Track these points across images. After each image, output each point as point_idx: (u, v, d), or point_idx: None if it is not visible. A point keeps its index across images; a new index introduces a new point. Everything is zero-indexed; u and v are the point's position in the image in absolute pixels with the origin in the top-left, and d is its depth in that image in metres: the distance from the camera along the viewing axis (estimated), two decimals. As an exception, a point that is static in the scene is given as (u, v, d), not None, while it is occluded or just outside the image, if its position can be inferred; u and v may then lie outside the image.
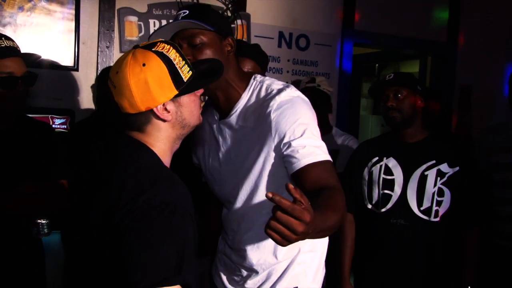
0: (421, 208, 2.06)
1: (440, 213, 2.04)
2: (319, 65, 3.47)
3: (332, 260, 2.28)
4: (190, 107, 1.22)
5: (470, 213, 2.08)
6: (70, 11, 2.70)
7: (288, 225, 0.96)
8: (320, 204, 1.18)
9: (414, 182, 2.07)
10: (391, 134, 2.23)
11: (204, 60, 1.35)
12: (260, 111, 1.42)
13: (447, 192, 2.04)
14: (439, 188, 2.05)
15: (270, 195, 0.94)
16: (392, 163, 2.13)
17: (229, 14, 3.10)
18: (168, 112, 1.17)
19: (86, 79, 2.78)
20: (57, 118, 2.66)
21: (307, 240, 1.50)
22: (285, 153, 1.35)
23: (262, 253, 1.52)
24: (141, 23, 2.87)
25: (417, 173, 2.08)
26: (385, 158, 2.15)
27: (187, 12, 1.39)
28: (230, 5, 3.09)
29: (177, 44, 1.38)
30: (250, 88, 1.47)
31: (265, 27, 3.27)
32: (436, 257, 2.06)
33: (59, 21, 2.68)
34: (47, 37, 2.66)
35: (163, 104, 1.16)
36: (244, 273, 1.58)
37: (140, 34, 2.86)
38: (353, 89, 4.08)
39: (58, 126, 2.65)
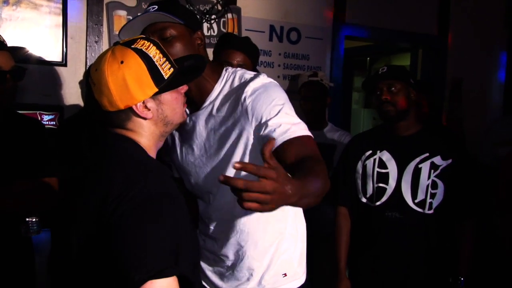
0: (416, 201, 2.05)
1: (434, 206, 2.04)
2: (310, 58, 3.45)
3: (330, 254, 2.30)
4: (172, 105, 1.21)
5: (463, 205, 2.08)
6: (57, 5, 2.65)
7: (259, 189, 0.95)
8: (300, 171, 1.18)
9: (408, 175, 2.07)
10: (384, 127, 2.22)
11: (186, 57, 1.33)
12: (235, 99, 1.43)
13: (440, 184, 2.04)
14: (433, 181, 2.04)
15: (237, 165, 0.94)
16: (386, 156, 2.12)
17: (220, 7, 3.07)
18: (149, 109, 1.16)
19: (74, 74, 2.73)
20: (46, 115, 2.61)
21: (286, 225, 1.54)
22: (262, 134, 1.36)
23: (249, 240, 1.52)
24: (130, 17, 2.82)
25: (411, 166, 2.07)
26: (378, 152, 2.15)
27: (156, 7, 1.40)
28: (220, -1, 3.06)
29: (147, 34, 1.38)
30: (222, 80, 1.49)
31: (256, 21, 3.24)
32: (431, 249, 2.06)
33: (46, 15, 2.63)
34: (34, 32, 2.61)
35: (143, 102, 1.15)
36: (230, 263, 1.56)
37: (130, 29, 2.82)
38: (345, 82, 4.07)
39: (47, 123, 2.61)
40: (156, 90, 1.15)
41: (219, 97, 1.47)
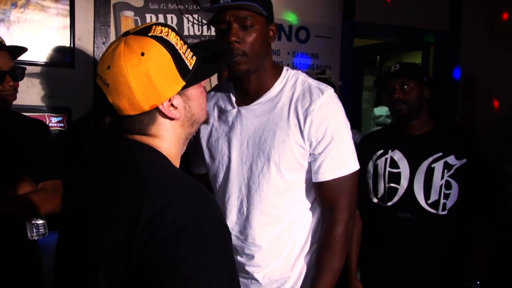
0: (429, 202, 2.01)
1: (448, 206, 2.00)
2: (319, 57, 3.41)
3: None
4: (199, 100, 1.03)
5: (478, 205, 2.03)
6: (64, 7, 2.64)
7: None
8: (317, 266, 1.44)
9: (420, 175, 2.02)
10: (395, 126, 2.17)
11: (203, 42, 1.13)
12: (296, 106, 1.41)
13: (454, 184, 1.99)
14: (447, 181, 2.00)
15: None
16: (397, 155, 2.08)
17: (228, 7, 3.04)
18: (176, 108, 0.98)
19: (82, 76, 2.71)
20: (54, 117, 2.61)
21: (318, 237, 1.52)
22: (315, 155, 1.40)
23: (279, 247, 1.47)
24: (138, 17, 2.81)
25: (424, 166, 2.02)
26: (390, 151, 2.10)
27: None
28: (228, -2, 3.03)
29: (226, 20, 1.35)
30: (283, 79, 1.46)
31: (264, 20, 3.20)
32: (444, 251, 2.02)
33: (53, 17, 2.62)
34: (41, 34, 2.60)
35: (169, 100, 0.96)
36: (256, 273, 1.49)
37: (137, 29, 2.80)
38: (355, 81, 4.02)
39: (55, 125, 2.60)
40: (184, 83, 0.96)
41: (278, 96, 1.44)
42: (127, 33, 0.97)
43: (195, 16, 2.96)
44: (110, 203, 0.89)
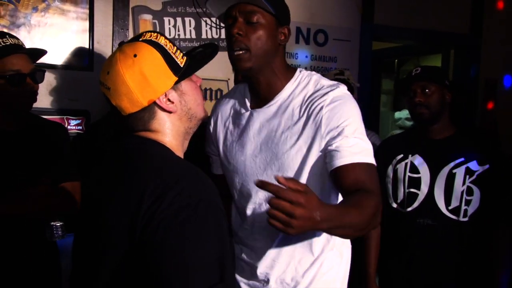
0: (449, 208, 1.97)
1: (469, 213, 1.96)
2: (338, 60, 3.38)
3: (356, 260, 2.22)
4: (194, 95, 1.13)
5: (501, 212, 1.98)
6: (84, 11, 2.66)
7: (282, 209, 0.95)
8: (346, 201, 1.17)
9: (441, 180, 1.98)
10: (416, 130, 2.14)
11: (197, 47, 1.25)
12: (309, 105, 1.37)
13: (476, 191, 1.95)
14: (468, 187, 1.96)
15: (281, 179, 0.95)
16: (418, 160, 2.04)
17: (245, 10, 3.03)
18: (172, 102, 1.08)
19: (101, 79, 2.73)
20: (72, 119, 2.63)
21: (333, 244, 1.45)
22: (329, 148, 1.31)
23: (295, 252, 1.44)
24: (156, 21, 2.83)
25: (445, 171, 1.99)
26: (410, 156, 2.07)
27: None
28: (246, 1, 3.03)
29: (233, 15, 1.35)
30: (295, 81, 1.43)
31: (282, 23, 3.19)
32: (465, 257, 1.98)
33: (73, 21, 2.65)
34: (61, 37, 2.63)
35: (165, 95, 1.07)
36: (266, 277, 1.48)
37: (155, 32, 2.81)
38: (373, 85, 3.98)
39: (74, 127, 2.62)
40: (176, 78, 1.08)
41: (289, 98, 1.41)
42: (122, 43, 1.11)
43: (213, 19, 2.95)
44: (119, 191, 1.00)
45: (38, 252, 1.82)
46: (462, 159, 1.97)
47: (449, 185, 1.97)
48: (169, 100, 1.08)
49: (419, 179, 2.02)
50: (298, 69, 1.47)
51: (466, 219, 1.95)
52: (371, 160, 1.32)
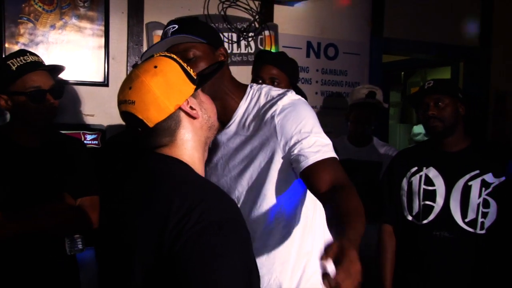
0: (466, 220, 1.97)
1: (486, 225, 1.96)
2: (348, 74, 3.41)
3: (372, 272, 2.22)
4: (210, 105, 1.19)
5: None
6: (99, 27, 2.71)
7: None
8: (343, 216, 1.16)
9: (457, 192, 1.99)
10: (430, 143, 2.15)
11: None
12: (262, 117, 1.40)
13: (493, 203, 1.95)
14: (484, 199, 1.96)
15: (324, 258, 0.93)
16: (432, 173, 2.05)
17: (257, 25, 3.08)
18: (194, 109, 1.12)
19: (116, 94, 2.76)
20: (89, 134, 2.66)
21: (315, 246, 1.49)
22: (292, 154, 1.35)
23: (271, 264, 1.47)
24: (170, 37, 2.87)
25: (460, 184, 1.99)
26: (424, 168, 2.08)
27: (176, 26, 1.37)
28: (257, 16, 3.07)
29: None
30: (247, 97, 1.46)
31: (293, 37, 3.23)
32: (483, 271, 1.97)
33: (89, 37, 2.70)
34: (78, 53, 2.68)
35: (187, 102, 1.11)
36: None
37: (169, 48, 2.85)
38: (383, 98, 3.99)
39: (90, 142, 2.65)
40: (194, 86, 1.12)
41: (244, 115, 1.45)
42: (135, 65, 1.17)
43: (225, 34, 3.00)
44: (145, 209, 1.02)
45: (58, 265, 1.84)
46: (477, 171, 1.98)
47: (465, 197, 1.97)
48: (191, 107, 1.11)
49: (434, 191, 2.03)
50: (249, 85, 1.49)
51: (483, 231, 1.95)
52: (333, 154, 1.35)
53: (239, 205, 1.44)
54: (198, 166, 1.14)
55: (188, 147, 1.12)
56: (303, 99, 1.45)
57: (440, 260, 2.00)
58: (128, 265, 1.01)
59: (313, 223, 1.53)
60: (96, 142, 2.67)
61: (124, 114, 1.10)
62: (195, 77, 1.14)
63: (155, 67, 1.08)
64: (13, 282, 1.75)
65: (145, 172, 1.11)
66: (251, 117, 1.43)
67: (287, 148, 1.36)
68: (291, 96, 1.42)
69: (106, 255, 1.15)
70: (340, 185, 1.27)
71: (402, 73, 6.17)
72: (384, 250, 2.18)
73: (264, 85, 1.50)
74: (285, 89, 1.46)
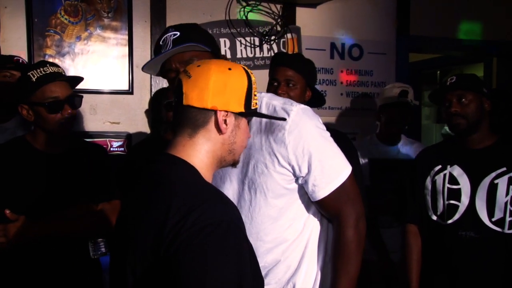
0: (493, 219, 1.89)
1: (516, 224, 1.87)
2: (374, 74, 3.36)
3: (400, 273, 2.17)
4: (244, 135, 1.18)
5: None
6: (123, 37, 2.79)
7: None
8: (336, 260, 1.42)
9: (483, 191, 1.91)
10: (454, 140, 2.08)
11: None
12: (267, 133, 1.38)
13: (521, 201, 1.87)
14: (513, 197, 1.88)
15: None
16: (457, 171, 1.98)
17: (279, 28, 3.08)
18: (226, 125, 1.12)
19: (140, 102, 2.84)
20: (115, 141, 2.73)
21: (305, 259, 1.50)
22: (307, 181, 1.39)
23: (285, 265, 1.48)
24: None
25: (486, 182, 1.92)
26: (449, 166, 2.01)
27: (178, 34, 1.35)
28: (279, 19, 3.07)
29: (174, 68, 1.36)
30: None
31: (316, 39, 3.21)
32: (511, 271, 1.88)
33: (113, 47, 2.78)
34: (103, 63, 2.76)
35: (226, 114, 1.11)
36: None
37: (191, 55, 2.90)
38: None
39: (116, 149, 2.72)
40: (243, 110, 1.14)
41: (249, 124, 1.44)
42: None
43: (247, 38, 3.02)
44: (148, 210, 1.04)
45: (81, 269, 1.89)
46: (504, 168, 1.90)
47: (491, 196, 1.90)
48: (225, 121, 1.12)
49: (459, 190, 1.96)
50: None
51: (511, 231, 1.87)
52: (345, 173, 1.42)
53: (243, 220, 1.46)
54: (206, 172, 1.13)
55: (202, 151, 1.12)
56: (308, 110, 1.42)
57: (468, 262, 1.93)
58: (130, 265, 1.04)
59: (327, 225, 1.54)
60: (122, 149, 2.74)
61: (177, 81, 1.14)
62: (250, 107, 1.15)
63: (229, 69, 1.12)
64: (38, 285, 1.81)
65: (153, 174, 1.13)
66: (254, 129, 1.41)
67: (296, 171, 1.39)
68: (298, 111, 1.38)
69: (113, 255, 1.18)
70: (342, 221, 1.42)
71: (438, 71, 6.00)
72: (410, 251, 2.12)
73: (263, 93, 1.48)
74: (288, 102, 1.43)
